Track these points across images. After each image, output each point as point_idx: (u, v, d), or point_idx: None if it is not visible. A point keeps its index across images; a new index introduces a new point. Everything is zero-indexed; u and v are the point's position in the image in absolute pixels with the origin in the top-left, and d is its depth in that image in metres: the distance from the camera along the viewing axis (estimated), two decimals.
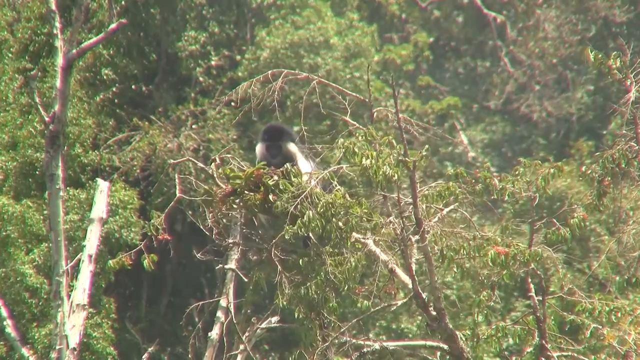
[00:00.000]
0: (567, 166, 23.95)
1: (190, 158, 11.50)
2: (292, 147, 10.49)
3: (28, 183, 20.57)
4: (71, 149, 21.79)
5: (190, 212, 17.75)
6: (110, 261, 10.37)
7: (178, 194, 10.54)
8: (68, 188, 20.94)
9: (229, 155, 10.74)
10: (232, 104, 24.26)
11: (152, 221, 10.29)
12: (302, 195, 9.62)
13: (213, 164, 10.61)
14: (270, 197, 9.98)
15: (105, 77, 24.54)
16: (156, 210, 21.73)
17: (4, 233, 19.16)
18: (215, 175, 10.43)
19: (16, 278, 18.98)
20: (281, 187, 9.84)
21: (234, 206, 10.21)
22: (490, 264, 9.41)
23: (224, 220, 10.36)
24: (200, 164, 11.20)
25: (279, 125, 10.91)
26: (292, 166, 10.12)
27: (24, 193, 20.51)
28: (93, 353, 19.75)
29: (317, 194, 9.67)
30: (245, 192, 10.17)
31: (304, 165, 10.43)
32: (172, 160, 22.24)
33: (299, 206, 9.64)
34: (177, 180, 10.70)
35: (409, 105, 28.23)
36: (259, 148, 10.67)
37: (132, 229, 20.83)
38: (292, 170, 9.99)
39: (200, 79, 25.60)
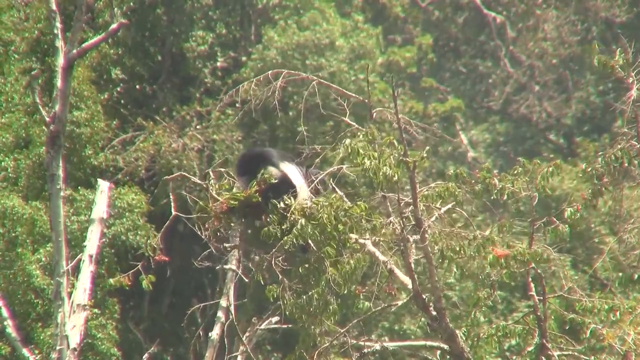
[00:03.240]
0: (574, 167, 24.04)
1: (183, 173, 11.42)
2: (273, 170, 10.37)
3: (39, 183, 20.60)
4: (82, 151, 21.82)
5: (196, 215, 17.71)
6: (110, 280, 10.41)
7: (174, 212, 10.52)
8: (79, 188, 20.98)
9: (223, 170, 10.70)
10: (237, 105, 24.26)
11: (148, 241, 10.31)
12: (292, 209, 9.65)
13: (210, 179, 10.58)
14: (263, 217, 10.03)
15: (114, 76, 24.59)
16: (159, 211, 21.85)
17: (14, 234, 19.19)
18: (211, 191, 10.40)
19: (23, 278, 19.02)
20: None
21: (231, 224, 10.23)
22: (488, 267, 9.40)
23: (222, 230, 10.35)
24: (194, 179, 11.13)
25: (253, 154, 10.75)
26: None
27: (35, 193, 20.54)
28: (97, 354, 19.76)
29: (313, 203, 9.69)
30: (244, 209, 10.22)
31: (295, 177, 10.37)
32: (170, 161, 22.27)
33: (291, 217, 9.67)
34: (171, 197, 10.67)
35: (412, 107, 28.19)
36: (242, 183, 10.51)
37: (139, 232, 20.83)
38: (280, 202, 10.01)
39: (206, 79, 25.64)
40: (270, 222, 9.84)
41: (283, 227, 9.74)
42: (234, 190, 10.45)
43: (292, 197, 9.95)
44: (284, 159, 10.47)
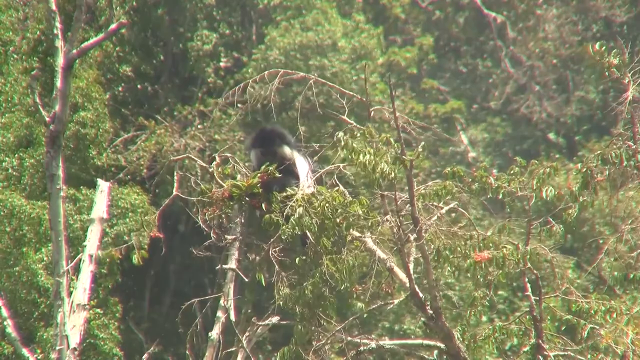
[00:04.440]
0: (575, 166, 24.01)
1: (190, 155, 11.48)
2: (287, 150, 10.46)
3: (42, 183, 20.63)
4: (86, 151, 21.86)
5: (194, 209, 17.74)
6: (99, 252, 10.39)
7: (175, 192, 10.54)
8: (81, 188, 21.01)
9: (229, 155, 10.73)
10: (238, 105, 24.31)
11: (145, 218, 10.34)
12: (294, 199, 9.65)
13: (214, 163, 10.61)
14: (263, 206, 10.04)
15: (122, 73, 24.65)
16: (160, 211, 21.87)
17: (20, 232, 19.21)
18: (215, 175, 10.44)
19: (28, 277, 19.05)
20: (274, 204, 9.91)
21: (230, 210, 10.24)
22: (472, 268, 9.38)
23: (223, 218, 10.36)
24: (200, 162, 11.19)
25: (271, 128, 10.86)
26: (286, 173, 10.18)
27: (38, 192, 20.57)
28: (100, 354, 19.78)
29: (314, 195, 9.70)
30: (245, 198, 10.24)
31: (302, 167, 10.41)
32: (173, 157, 22.27)
33: (292, 207, 9.67)
34: (176, 177, 10.70)
35: (413, 108, 28.21)
36: (253, 155, 10.62)
37: (142, 233, 20.83)
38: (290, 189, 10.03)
39: (210, 79, 25.70)
40: (271, 210, 9.86)
41: (284, 212, 9.77)
42: (239, 176, 10.50)
43: (295, 188, 10.00)
44: (297, 147, 10.54)
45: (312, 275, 9.73)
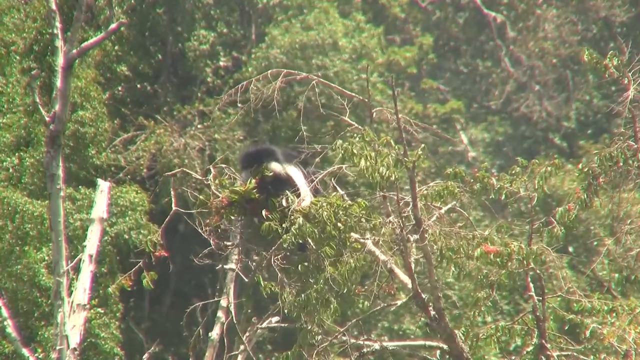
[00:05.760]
0: (575, 168, 24.00)
1: (184, 169, 11.47)
2: (276, 165, 10.40)
3: (43, 182, 20.61)
4: (85, 150, 21.84)
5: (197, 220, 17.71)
6: (110, 289, 10.39)
7: (174, 208, 10.50)
8: (80, 187, 20.99)
9: (224, 166, 10.71)
10: (239, 105, 24.27)
11: (148, 237, 10.29)
12: (292, 210, 9.64)
13: (210, 175, 10.59)
14: (263, 212, 10.01)
15: (120, 72, 24.64)
16: (161, 209, 21.87)
17: (23, 231, 19.19)
18: (212, 186, 10.41)
19: (29, 276, 19.03)
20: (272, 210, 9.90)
21: (232, 217, 10.22)
22: (477, 263, 9.37)
23: (222, 226, 10.33)
24: (195, 175, 11.17)
25: (257, 148, 10.81)
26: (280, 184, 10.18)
27: (39, 192, 20.55)
28: (100, 353, 19.76)
29: (311, 205, 9.68)
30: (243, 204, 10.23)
31: (298, 178, 10.38)
32: (171, 160, 22.26)
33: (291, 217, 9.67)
34: (172, 192, 10.66)
35: (412, 108, 28.21)
36: (243, 176, 10.56)
37: (141, 231, 20.83)
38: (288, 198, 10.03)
39: (209, 79, 25.69)
40: (270, 217, 9.84)
41: (283, 225, 9.74)
42: (237, 184, 10.48)
43: (293, 196, 9.97)
44: (288, 159, 10.48)
45: (316, 282, 9.69)
